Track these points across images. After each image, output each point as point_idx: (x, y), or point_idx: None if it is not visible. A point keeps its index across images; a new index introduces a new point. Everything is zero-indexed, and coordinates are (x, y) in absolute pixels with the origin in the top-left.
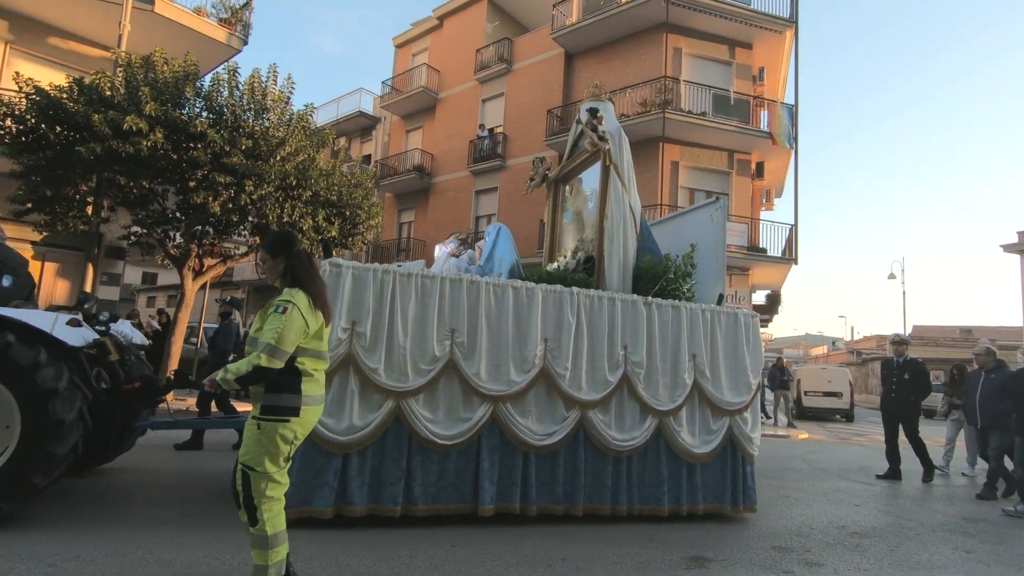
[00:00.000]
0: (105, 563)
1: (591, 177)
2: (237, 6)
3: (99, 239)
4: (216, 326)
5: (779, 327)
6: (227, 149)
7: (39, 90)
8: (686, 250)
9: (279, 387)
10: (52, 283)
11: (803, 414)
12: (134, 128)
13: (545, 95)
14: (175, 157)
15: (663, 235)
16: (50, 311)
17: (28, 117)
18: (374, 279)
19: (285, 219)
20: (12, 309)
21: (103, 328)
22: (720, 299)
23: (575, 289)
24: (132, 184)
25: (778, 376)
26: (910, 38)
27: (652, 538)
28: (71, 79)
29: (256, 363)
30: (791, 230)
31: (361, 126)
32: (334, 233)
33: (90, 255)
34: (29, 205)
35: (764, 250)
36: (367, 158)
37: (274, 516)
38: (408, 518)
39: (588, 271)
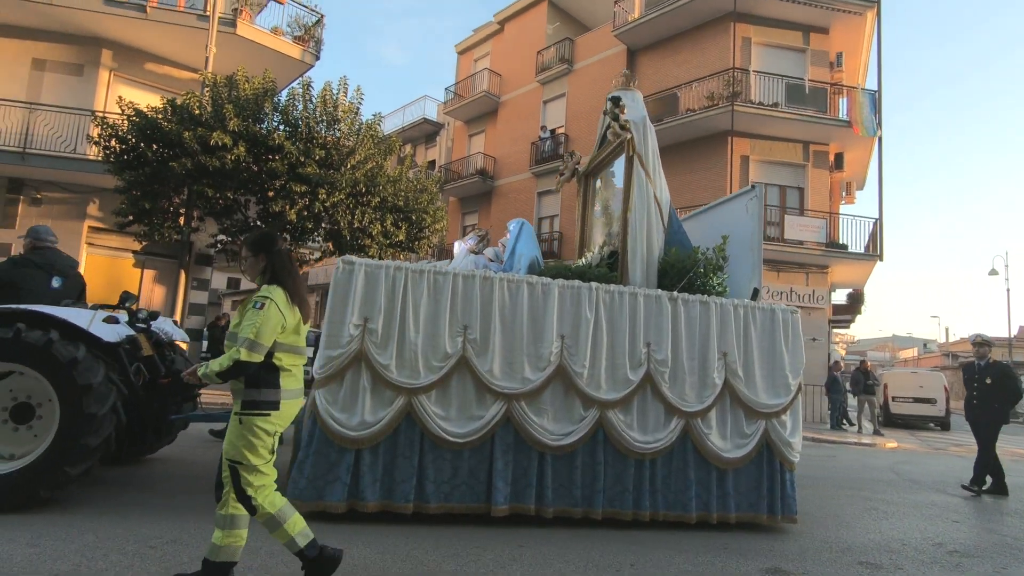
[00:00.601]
0: (200, 547)
1: (620, 169)
2: (310, 24)
3: (190, 247)
4: None
5: (862, 328)
6: (302, 160)
7: (138, 112)
8: (720, 243)
9: (258, 382)
10: (151, 288)
11: (891, 421)
12: (220, 143)
13: (607, 93)
14: (255, 169)
15: (697, 228)
16: (91, 309)
17: (129, 137)
18: (386, 276)
19: (356, 225)
20: (55, 307)
21: (144, 325)
22: (755, 294)
23: (594, 284)
24: (218, 195)
25: (861, 380)
26: None
27: (726, 547)
28: (165, 100)
29: (236, 357)
30: (875, 224)
31: (425, 132)
32: (401, 237)
33: (182, 262)
34: (131, 218)
35: (845, 246)
36: (432, 163)
37: (268, 497)
38: (482, 517)
39: (611, 266)
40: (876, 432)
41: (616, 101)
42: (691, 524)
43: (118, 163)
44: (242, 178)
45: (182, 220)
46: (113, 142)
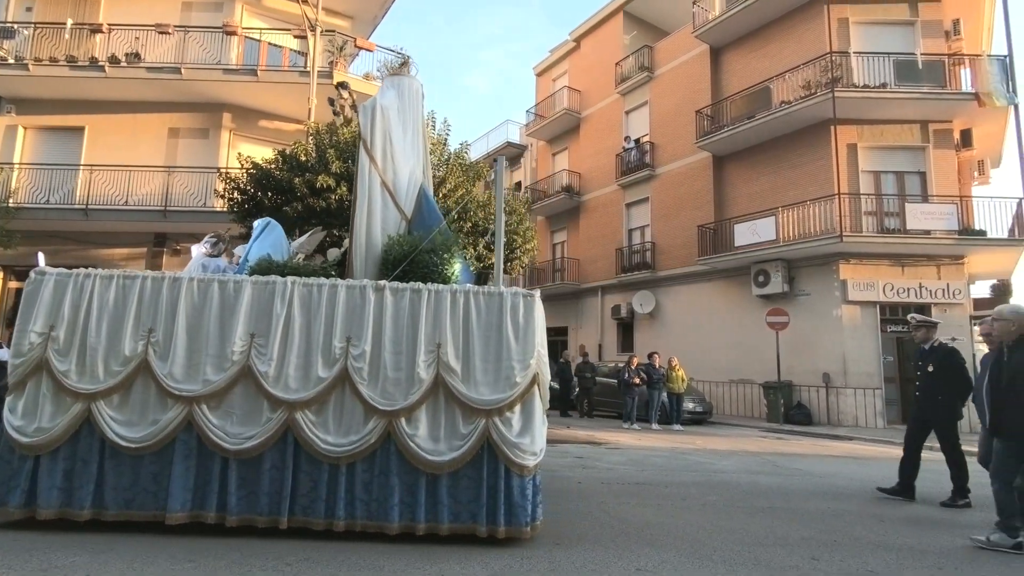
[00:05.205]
0: (331, 565)
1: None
2: (397, 65)
3: None
4: None
5: None
6: None
7: (255, 164)
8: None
9: None
10: None
11: None
12: (324, 186)
13: (692, 96)
14: None
15: None
16: None
17: (248, 188)
18: (74, 284)
19: None
20: None
21: None
22: (479, 278)
23: (291, 279)
24: (326, 233)
25: None
26: None
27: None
28: (276, 152)
29: None
30: (1019, 204)
31: (510, 155)
32: (494, 260)
33: None
34: None
35: (983, 232)
36: (517, 185)
37: None
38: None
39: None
40: None
41: (337, 87)
42: (392, 535)
43: (241, 212)
44: (345, 215)
45: None
46: (235, 194)
